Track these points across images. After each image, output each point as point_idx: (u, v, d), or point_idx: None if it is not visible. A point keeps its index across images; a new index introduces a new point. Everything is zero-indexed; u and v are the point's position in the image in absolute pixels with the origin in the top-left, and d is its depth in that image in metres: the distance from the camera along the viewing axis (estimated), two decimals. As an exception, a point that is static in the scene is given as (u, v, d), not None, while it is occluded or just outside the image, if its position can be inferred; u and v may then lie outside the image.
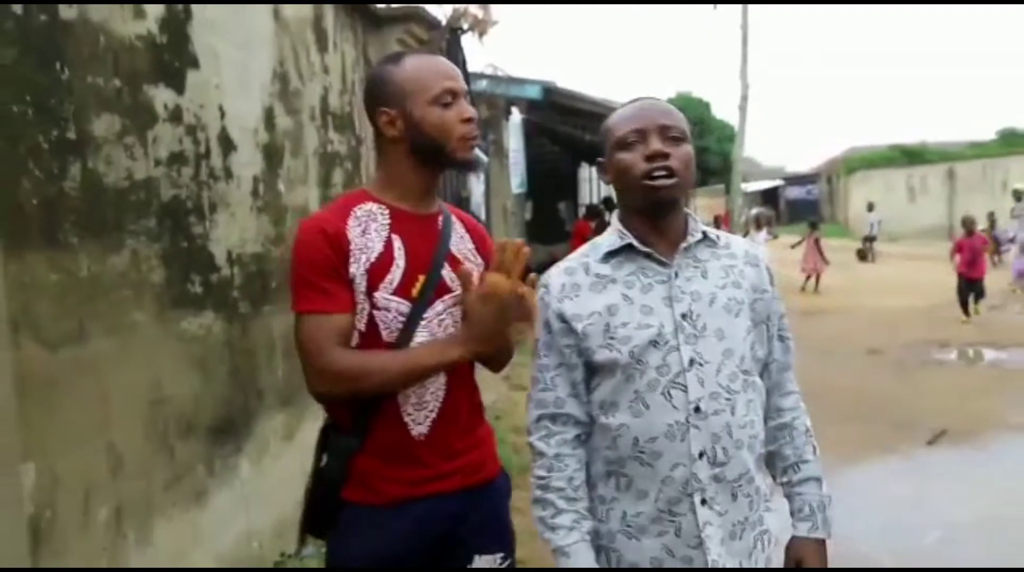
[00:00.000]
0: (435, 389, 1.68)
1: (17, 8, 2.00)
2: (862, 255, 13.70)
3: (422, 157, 1.66)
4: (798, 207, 37.05)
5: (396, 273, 1.63)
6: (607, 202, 14.20)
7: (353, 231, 1.62)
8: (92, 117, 2.28)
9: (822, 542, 1.63)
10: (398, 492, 1.63)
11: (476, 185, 8.16)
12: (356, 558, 1.64)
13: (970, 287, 10.48)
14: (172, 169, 2.67)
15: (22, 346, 1.98)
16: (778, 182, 43.43)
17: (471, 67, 8.42)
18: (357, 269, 1.61)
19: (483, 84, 9.72)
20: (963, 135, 33.67)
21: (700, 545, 1.51)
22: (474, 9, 7.42)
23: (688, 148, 1.55)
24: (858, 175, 31.10)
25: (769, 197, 40.04)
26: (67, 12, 2.18)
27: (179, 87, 2.71)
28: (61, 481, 2.12)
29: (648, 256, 1.56)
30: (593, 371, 1.59)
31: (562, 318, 1.59)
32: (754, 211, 20.93)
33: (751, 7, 16.61)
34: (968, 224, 11.01)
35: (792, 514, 1.64)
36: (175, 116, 2.69)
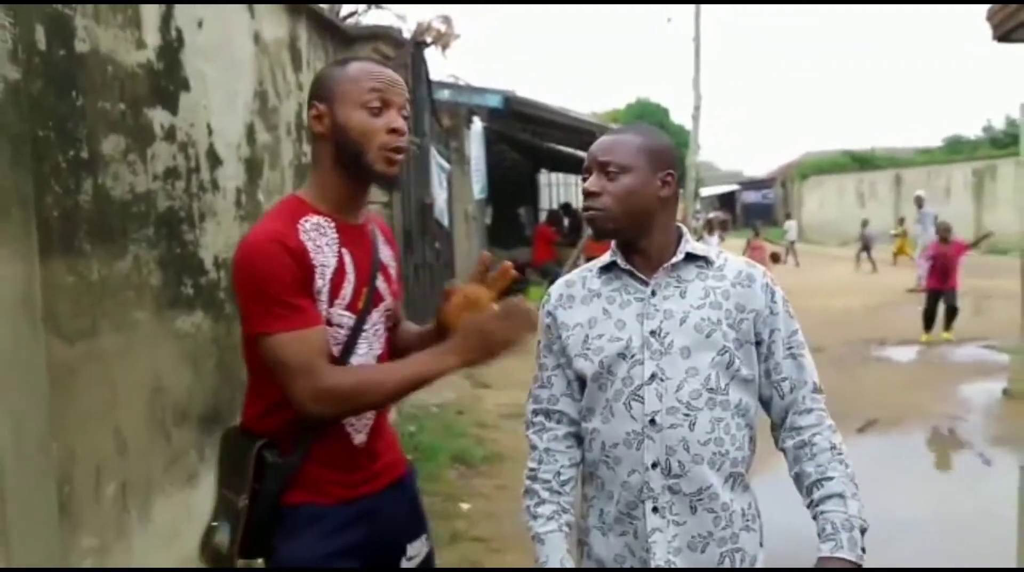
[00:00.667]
0: None
1: (42, 44, 2.29)
2: (775, 258, 14.04)
3: (344, 165, 1.62)
4: (754, 211, 37.82)
5: (348, 288, 1.64)
6: (565, 207, 14.61)
7: (309, 245, 1.58)
8: (101, 138, 2.57)
9: (849, 563, 1.50)
10: (341, 493, 1.66)
11: (439, 191, 8.46)
12: (312, 556, 1.63)
13: (938, 299, 9.32)
14: (167, 183, 2.96)
15: (47, 340, 2.27)
16: (735, 187, 44.32)
17: (434, 77, 8.75)
18: (320, 284, 1.59)
19: (445, 94, 10.03)
20: (912, 142, 34.84)
21: (650, 549, 1.58)
22: (437, 23, 7.76)
23: (626, 181, 1.58)
24: (811, 180, 32.00)
25: (726, 201, 40.88)
26: (81, 46, 2.47)
27: (173, 108, 3.01)
28: (77, 459, 2.42)
29: (631, 274, 1.64)
30: (579, 379, 1.68)
31: (557, 325, 1.71)
32: (711, 215, 21.51)
33: (704, 16, 17.16)
34: (943, 230, 9.88)
35: (818, 536, 1.55)
36: (170, 135, 2.98)
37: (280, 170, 4.08)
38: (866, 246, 18.60)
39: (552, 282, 7.51)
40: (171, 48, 3.00)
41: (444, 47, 8.17)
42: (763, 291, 1.63)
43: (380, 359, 1.74)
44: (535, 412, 1.74)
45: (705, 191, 33.89)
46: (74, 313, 2.42)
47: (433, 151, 8.26)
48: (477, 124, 10.44)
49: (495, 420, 6.09)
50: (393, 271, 1.80)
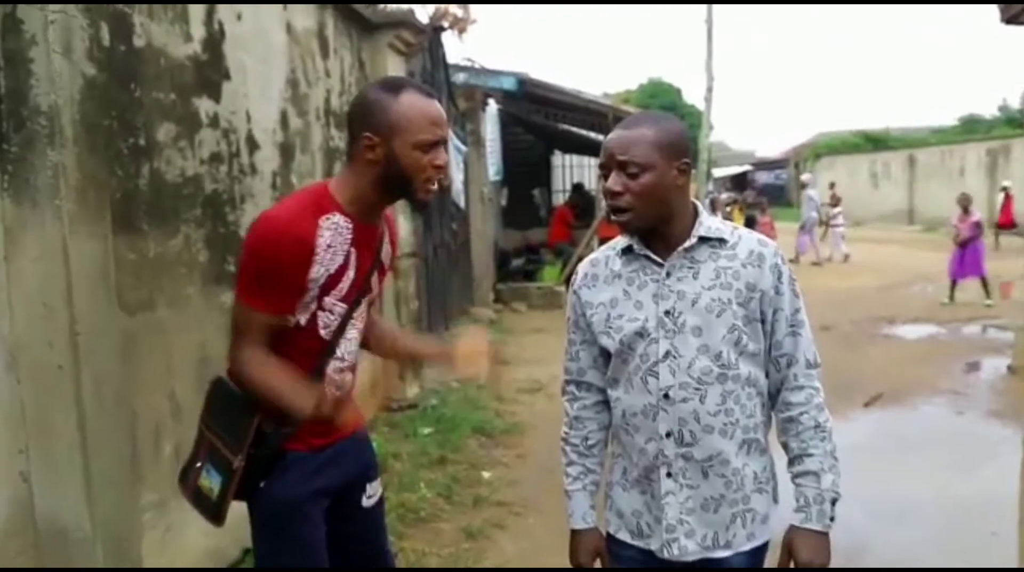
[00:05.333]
0: (351, 372, 1.98)
1: (106, 40, 2.49)
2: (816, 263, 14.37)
3: (388, 185, 1.78)
4: (766, 192, 37.78)
5: (346, 282, 1.82)
6: (576, 187, 14.74)
7: (320, 241, 1.73)
8: (156, 126, 2.79)
9: (816, 533, 1.69)
10: (317, 441, 1.88)
11: (456, 173, 8.63)
12: (296, 494, 1.85)
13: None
14: (212, 167, 3.18)
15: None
16: (747, 167, 44.22)
17: (450, 61, 8.91)
18: (314, 276, 1.74)
19: (461, 77, 10.16)
20: (926, 121, 34.68)
21: (663, 509, 1.73)
22: (454, 9, 7.92)
23: (646, 179, 1.65)
24: (824, 160, 31.93)
25: (739, 182, 40.81)
26: (139, 40, 2.68)
27: (216, 97, 3.22)
28: (139, 420, 2.65)
29: (647, 256, 1.73)
30: (604, 353, 1.81)
31: (581, 303, 1.82)
32: (723, 195, 21.60)
33: (718, -1, 17.16)
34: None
35: (794, 504, 1.72)
36: (214, 122, 3.19)
37: (311, 154, 4.29)
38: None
39: (565, 262, 7.82)
40: (214, 40, 3.21)
41: (461, 31, 8.34)
42: (772, 271, 1.71)
43: (360, 334, 1.97)
44: (567, 381, 1.90)
45: (718, 172, 33.87)
46: (135, 287, 2.65)
47: (450, 133, 8.40)
48: (492, 106, 10.56)
49: (513, 394, 6.31)
50: (387, 264, 2.00)
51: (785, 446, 1.77)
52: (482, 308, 10.02)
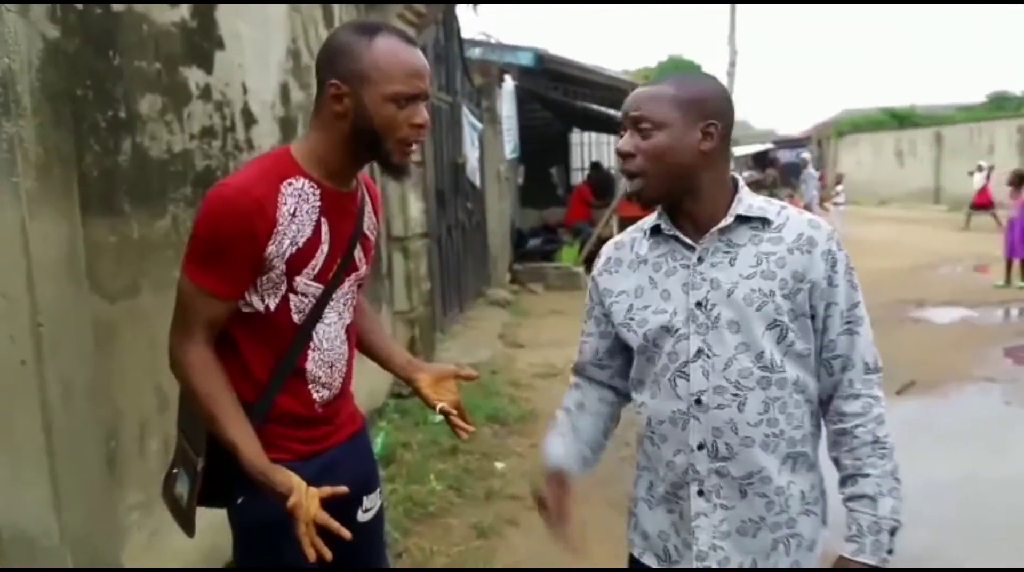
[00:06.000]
0: (341, 366, 1.71)
1: (78, 2, 2.28)
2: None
3: (356, 143, 1.56)
4: (788, 170, 37.24)
5: (320, 258, 1.59)
6: (595, 166, 14.47)
7: (282, 210, 1.52)
8: (138, 97, 2.57)
9: (870, 569, 1.44)
10: (303, 449, 1.65)
11: (471, 151, 8.41)
12: (277, 514, 1.54)
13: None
14: (204, 142, 2.96)
15: (89, 299, 2.29)
16: (769, 145, 43.58)
17: (465, 35, 8.66)
18: (276, 250, 1.52)
19: (477, 52, 9.93)
20: (953, 98, 33.93)
21: (693, 533, 1.53)
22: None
23: (659, 138, 1.46)
24: (848, 138, 31.36)
25: (760, 161, 40.24)
26: (118, 5, 2.46)
27: (208, 67, 3.00)
28: (122, 416, 2.46)
29: (677, 238, 1.53)
30: (627, 348, 1.62)
31: (598, 291, 1.65)
32: (743, 174, 21.29)
33: (742, -29, 16.73)
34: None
35: (846, 531, 1.49)
36: (205, 94, 2.98)
37: (314, 129, 4.07)
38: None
39: (583, 242, 7.52)
40: (205, 6, 2.98)
41: (475, 3, 8.09)
42: (823, 258, 1.48)
43: (349, 330, 1.73)
44: (574, 366, 1.76)
45: (738, 150, 33.33)
46: (115, 272, 2.45)
47: (465, 110, 8.19)
48: (509, 83, 10.33)
49: (528, 379, 6.10)
50: (373, 236, 1.76)
51: (837, 463, 1.53)
52: (498, 289, 9.81)
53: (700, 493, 1.51)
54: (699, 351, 1.49)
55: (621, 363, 1.68)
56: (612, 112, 12.75)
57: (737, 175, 1.57)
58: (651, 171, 1.47)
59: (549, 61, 11.47)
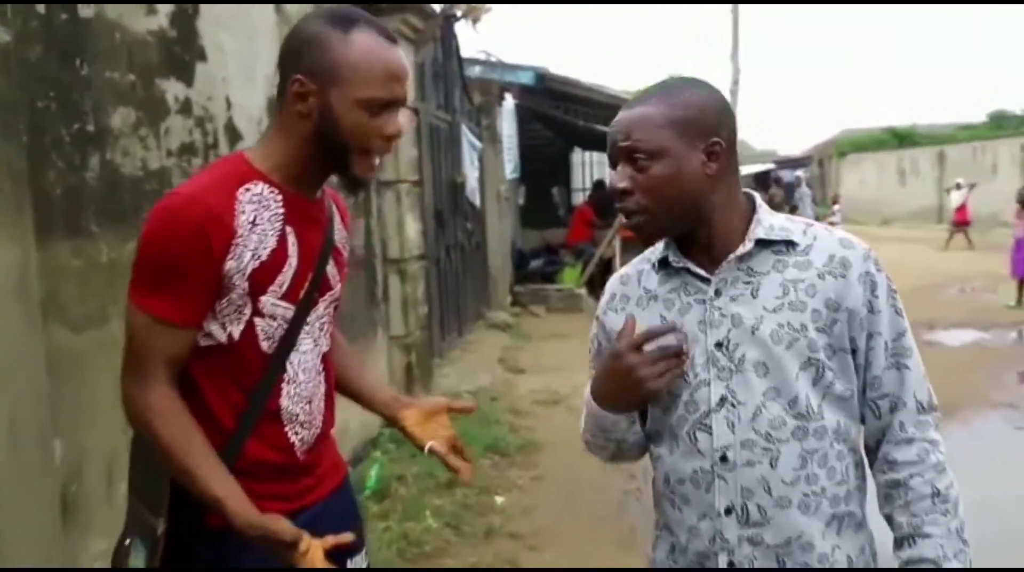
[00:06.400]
0: (319, 402, 1.50)
1: (40, 7, 2.10)
2: None
3: (319, 150, 1.37)
4: (790, 190, 37.16)
5: (288, 274, 1.38)
6: (598, 184, 14.32)
7: (241, 218, 1.32)
8: (109, 110, 2.39)
9: None
10: (279, 507, 1.40)
11: (471, 170, 8.25)
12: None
13: None
14: (183, 159, 2.78)
15: (50, 328, 2.10)
16: (770, 165, 43.55)
17: (465, 53, 8.52)
18: (236, 266, 1.32)
19: (476, 70, 9.79)
20: (954, 118, 33.90)
21: None
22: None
23: (658, 169, 1.26)
24: (850, 158, 31.29)
25: (761, 180, 40.15)
26: (86, 10, 2.28)
27: (188, 80, 2.82)
28: (87, 455, 2.25)
29: (688, 270, 1.34)
30: None
31: (604, 331, 1.45)
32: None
33: (742, -9, 16.69)
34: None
35: None
36: (185, 108, 2.79)
37: (305, 147, 3.89)
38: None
39: (586, 263, 7.26)
40: (185, 15, 2.81)
41: (475, 20, 7.95)
42: (861, 282, 1.29)
43: (326, 359, 1.52)
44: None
45: (740, 170, 33.36)
46: (81, 299, 2.25)
47: (464, 129, 8.04)
48: (509, 101, 10.18)
49: (529, 407, 5.88)
50: (345, 252, 1.57)
51: (890, 520, 1.32)
52: (499, 311, 9.60)
53: (730, 565, 1.30)
54: (722, 399, 1.29)
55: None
56: (614, 131, 12.61)
57: (753, 192, 1.37)
58: (653, 207, 1.28)
59: (550, 80, 11.34)
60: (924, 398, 1.31)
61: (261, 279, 1.35)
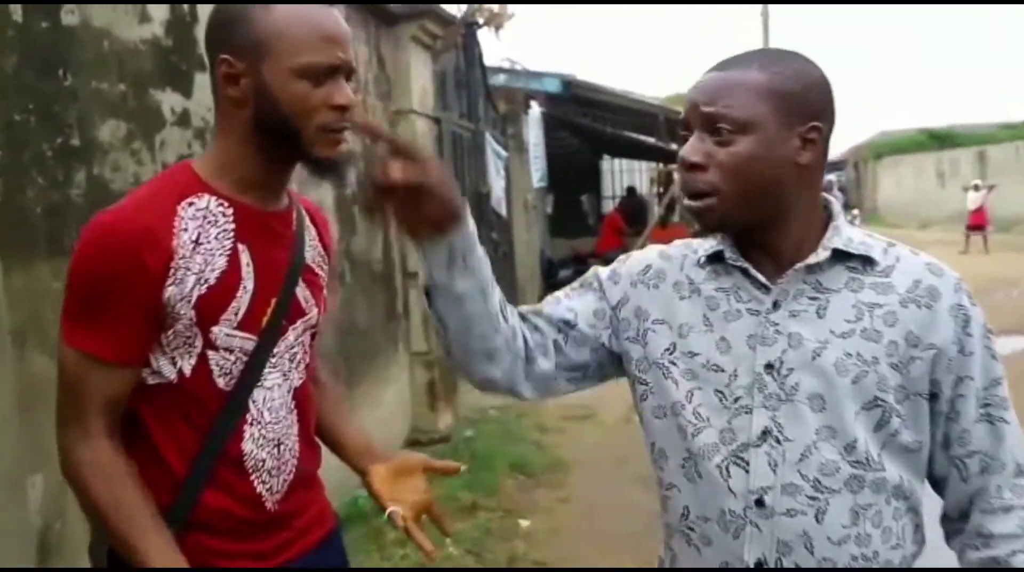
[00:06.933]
0: (293, 444, 1.31)
1: (17, 15, 1.97)
2: None
3: (269, 140, 1.21)
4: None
5: (243, 299, 1.21)
6: (630, 191, 14.13)
7: (181, 237, 1.16)
8: (97, 122, 2.26)
9: None
10: (250, 566, 1.27)
11: (496, 179, 8.10)
12: None
13: None
14: (181, 173, 2.64)
15: (28, 355, 1.96)
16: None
17: (489, 62, 8.39)
18: (178, 292, 1.16)
19: (501, 78, 9.66)
20: (993, 117, 33.14)
21: None
22: (489, 3, 7.38)
23: (744, 146, 1.05)
24: (886, 161, 30.69)
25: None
26: (69, 18, 2.15)
27: (187, 91, 2.69)
28: (69, 491, 2.11)
29: (745, 272, 1.14)
30: (644, 381, 1.20)
31: (623, 297, 1.22)
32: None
33: (773, -7, 16.41)
34: None
35: None
36: (183, 120, 2.66)
37: (316, 159, 3.75)
38: None
39: None
40: (182, 23, 2.68)
41: (498, 28, 7.82)
42: (952, 316, 1.09)
43: (301, 395, 1.33)
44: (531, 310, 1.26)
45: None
46: (65, 324, 2.11)
47: (489, 138, 7.89)
48: (535, 109, 10.03)
49: (557, 423, 5.69)
50: (323, 273, 1.38)
51: None
52: (527, 323, 9.42)
53: None
54: (766, 432, 1.09)
55: (578, 360, 1.23)
56: (644, 138, 12.43)
57: (831, 197, 1.17)
58: (729, 190, 1.08)
59: (577, 87, 11.17)
60: (1022, 459, 1.11)
61: (210, 306, 1.19)
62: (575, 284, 1.30)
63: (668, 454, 1.17)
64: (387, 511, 1.38)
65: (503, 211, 8.54)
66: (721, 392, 1.11)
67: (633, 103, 12.52)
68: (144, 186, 1.28)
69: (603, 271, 1.28)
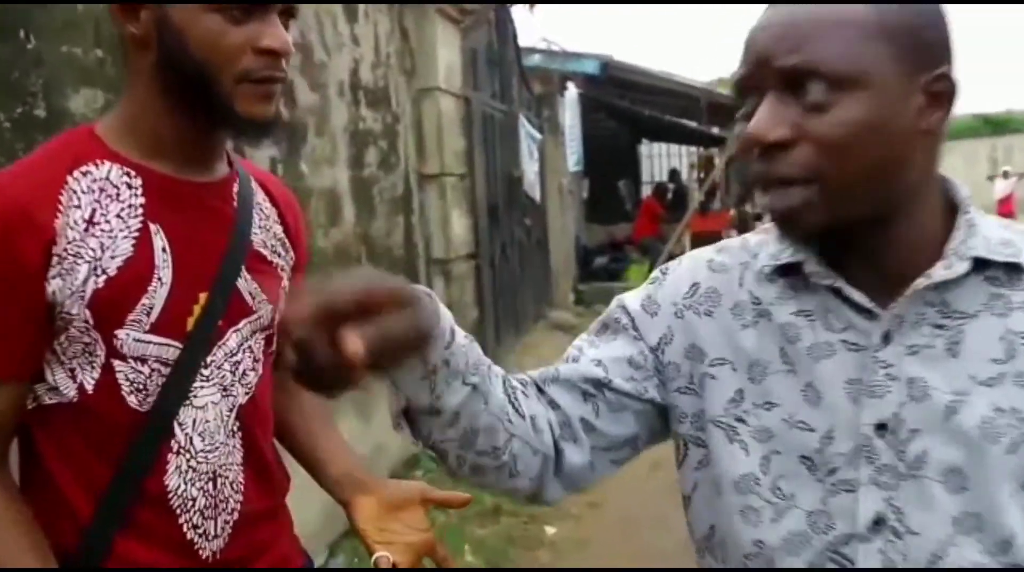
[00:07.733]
0: (237, 477, 1.06)
1: (-34, -35, 1.74)
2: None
3: (179, 91, 0.97)
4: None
5: (158, 295, 0.97)
6: (672, 174, 13.74)
7: (69, 216, 0.94)
8: (69, 91, 2.02)
9: None
10: None
11: (530, 163, 7.82)
12: None
13: None
14: (171, 150, 2.41)
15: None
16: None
17: (524, 42, 8.10)
18: (66, 286, 0.93)
19: (536, 59, 9.37)
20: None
21: None
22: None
23: (850, 109, 0.71)
24: (936, 147, 29.78)
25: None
26: (31, -29, 1.91)
27: (178, 58, 2.45)
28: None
29: (838, 292, 0.79)
30: (700, 442, 0.86)
31: (665, 340, 0.88)
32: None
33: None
34: None
35: None
36: (173, 91, 2.42)
37: (330, 136, 3.50)
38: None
39: (653, 261, 6.49)
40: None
41: (531, 5, 7.53)
42: None
43: (249, 414, 1.06)
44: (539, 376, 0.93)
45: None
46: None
47: (522, 120, 7.61)
48: (572, 91, 9.73)
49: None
50: (282, 261, 1.12)
51: None
52: (561, 311, 9.15)
53: None
54: (878, 521, 0.75)
55: (620, 433, 0.89)
56: (685, 122, 12.03)
57: (952, 179, 0.80)
58: (832, 174, 0.72)
59: (615, 68, 10.82)
60: None
61: (111, 305, 0.94)
62: (596, 325, 0.95)
63: (729, 544, 0.83)
64: (373, 557, 1.10)
65: (536, 195, 8.26)
66: (810, 459, 0.78)
67: (674, 85, 12.13)
68: (33, 153, 1.02)
69: (631, 301, 0.92)
